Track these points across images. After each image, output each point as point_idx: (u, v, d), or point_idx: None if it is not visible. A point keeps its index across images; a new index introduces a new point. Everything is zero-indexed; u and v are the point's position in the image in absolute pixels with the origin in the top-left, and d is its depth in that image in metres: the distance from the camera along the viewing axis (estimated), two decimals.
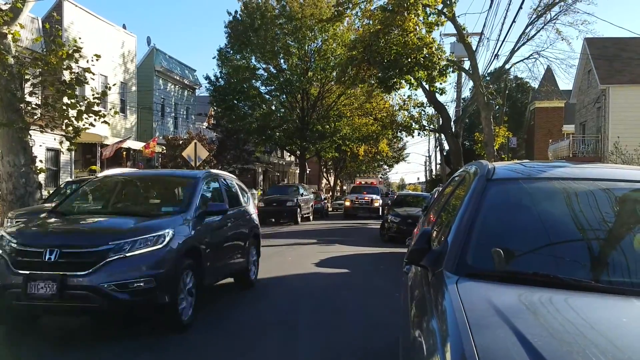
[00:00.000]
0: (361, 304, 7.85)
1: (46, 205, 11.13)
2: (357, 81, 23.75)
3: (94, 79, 13.80)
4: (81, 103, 12.54)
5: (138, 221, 6.04)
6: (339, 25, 31.07)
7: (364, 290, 8.93)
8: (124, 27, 28.76)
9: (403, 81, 22.11)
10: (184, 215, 6.40)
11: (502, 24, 76.41)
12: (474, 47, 21.34)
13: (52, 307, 5.42)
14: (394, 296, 7.75)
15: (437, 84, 22.24)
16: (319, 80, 35.08)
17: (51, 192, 14.20)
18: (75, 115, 12.49)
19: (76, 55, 12.47)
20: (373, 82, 23.72)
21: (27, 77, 12.32)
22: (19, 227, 6.28)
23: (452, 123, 25.73)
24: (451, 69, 21.93)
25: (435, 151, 47.55)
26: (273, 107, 36.96)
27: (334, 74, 32.42)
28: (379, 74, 21.82)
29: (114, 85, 17.40)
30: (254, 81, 34.85)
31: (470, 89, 29.67)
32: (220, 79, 34.68)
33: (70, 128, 12.69)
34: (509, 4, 31.07)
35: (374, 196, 31.76)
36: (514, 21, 35.48)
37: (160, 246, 5.67)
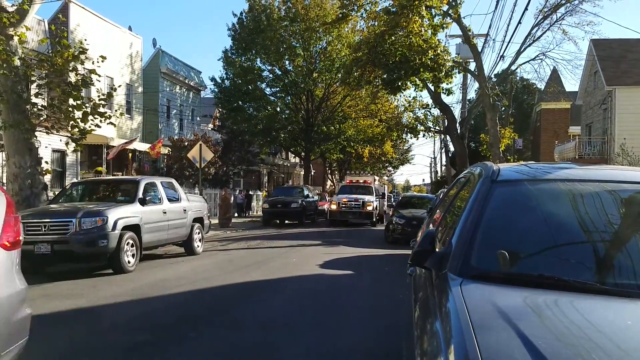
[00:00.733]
0: (365, 306, 7.82)
1: (51, 206, 11.26)
2: (362, 83, 23.70)
3: (99, 81, 13.86)
4: (87, 104, 12.59)
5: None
6: (344, 26, 31.04)
7: (367, 292, 8.90)
8: (130, 28, 28.85)
9: (408, 82, 22.08)
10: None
11: (508, 25, 76.32)
12: (479, 49, 21.31)
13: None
14: (398, 298, 7.73)
15: (443, 85, 22.20)
16: (324, 82, 35.07)
17: (57, 193, 14.26)
18: (81, 116, 12.53)
19: (82, 56, 12.52)
20: (378, 83, 23.69)
21: (33, 78, 12.37)
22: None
23: (457, 124, 25.65)
24: (457, 71, 21.87)
25: (441, 153, 47.50)
26: (278, 109, 36.97)
27: (339, 75, 32.36)
28: (384, 76, 21.79)
29: (119, 86, 17.44)
30: (259, 83, 34.89)
31: (475, 90, 29.58)
32: (225, 81, 34.75)
33: (76, 129, 12.73)
34: (515, 5, 30.97)
35: (367, 197, 25.36)
36: (519, 22, 35.16)
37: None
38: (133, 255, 10.57)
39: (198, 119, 37.23)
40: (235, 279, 9.82)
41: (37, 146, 12.33)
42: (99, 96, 12.88)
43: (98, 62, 12.59)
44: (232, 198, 27.34)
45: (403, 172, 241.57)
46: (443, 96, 23.85)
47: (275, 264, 12.01)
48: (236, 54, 34.51)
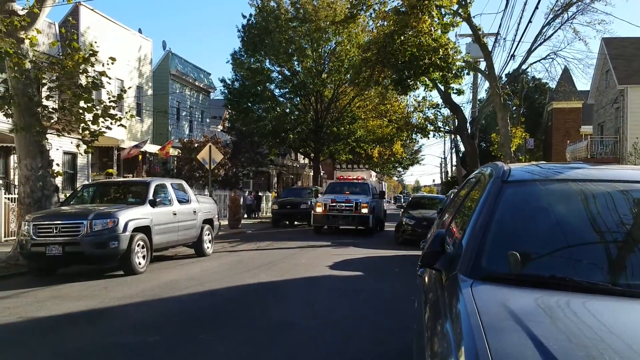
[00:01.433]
0: (374, 308, 7.78)
1: (63, 208, 11.34)
2: (371, 83, 23.62)
3: (110, 83, 13.90)
4: (97, 107, 12.64)
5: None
6: (353, 27, 30.99)
7: (377, 294, 8.86)
8: (140, 31, 29.01)
9: (418, 82, 22.02)
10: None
11: (518, 24, 75.79)
12: (489, 48, 21.18)
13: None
14: (408, 299, 7.68)
15: (453, 85, 22.11)
16: (333, 83, 35.05)
17: (68, 195, 14.35)
18: (91, 119, 12.59)
19: (92, 59, 12.58)
20: (387, 83, 23.62)
21: (44, 81, 12.45)
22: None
23: (467, 124, 25.51)
24: (467, 70, 21.76)
25: (451, 153, 47.26)
26: (287, 110, 37.00)
27: (348, 76, 32.28)
28: (394, 76, 21.73)
29: (129, 88, 17.52)
30: (268, 84, 34.94)
31: (486, 89, 29.45)
32: (235, 82, 34.85)
33: (87, 132, 12.79)
34: (525, 4, 30.74)
35: (362, 198, 20.40)
36: (530, 21, 35.03)
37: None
38: (144, 257, 10.62)
39: (208, 120, 37.35)
40: (245, 280, 9.82)
41: (48, 149, 12.39)
42: (109, 98, 12.94)
43: (108, 64, 12.63)
44: (242, 199, 27.40)
45: (413, 172, 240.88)
46: (454, 96, 23.78)
47: (285, 265, 12.00)
48: (245, 56, 34.59)
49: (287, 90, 35.99)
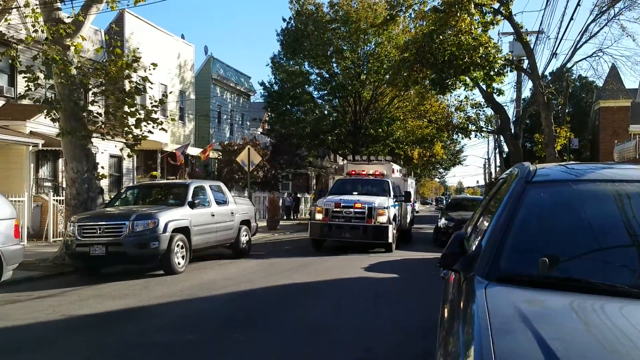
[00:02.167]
0: (408, 310, 7.72)
1: (107, 209, 11.74)
2: (409, 83, 23.39)
3: (152, 88, 14.30)
4: (140, 111, 13.01)
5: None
6: (393, 27, 30.80)
7: (411, 296, 8.78)
8: (182, 37, 29.71)
9: (458, 82, 21.70)
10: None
11: (561, 21, 73.62)
12: (532, 46, 20.65)
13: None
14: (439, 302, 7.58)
15: (495, 85, 21.67)
16: (372, 84, 34.92)
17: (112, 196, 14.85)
18: (134, 123, 12.97)
19: (135, 65, 12.96)
20: (426, 83, 23.35)
21: (89, 86, 12.91)
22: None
23: (511, 124, 24.93)
24: (509, 69, 21.30)
25: (495, 153, 46.27)
26: (326, 112, 37.08)
27: (387, 76, 32.06)
28: (433, 76, 21.48)
29: (170, 93, 17.96)
30: (306, 86, 35.11)
31: (530, 88, 28.68)
32: (274, 85, 35.21)
33: (130, 136, 13.19)
34: (567, 1, 29.85)
35: (378, 201, 14.99)
36: (572, 18, 34.06)
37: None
38: (183, 257, 10.88)
39: (248, 123, 37.87)
40: (280, 281, 9.91)
41: (94, 152, 12.84)
42: (151, 103, 13.31)
43: (149, 69, 13.00)
44: (280, 201, 27.63)
45: (455, 173, 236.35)
46: (495, 96, 23.30)
47: (321, 266, 12.04)
48: (284, 59, 34.89)
49: (326, 92, 36.06)
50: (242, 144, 26.55)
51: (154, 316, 7.28)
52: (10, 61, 14.52)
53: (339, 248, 15.44)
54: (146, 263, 10.81)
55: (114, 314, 7.22)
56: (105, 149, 19.43)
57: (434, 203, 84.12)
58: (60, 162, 16.85)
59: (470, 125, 28.78)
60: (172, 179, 22.99)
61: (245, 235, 13.80)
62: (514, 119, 25.62)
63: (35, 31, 11.69)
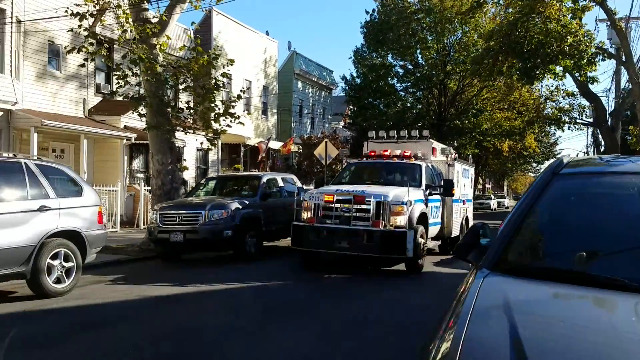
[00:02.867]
0: None
1: (187, 199, 12.48)
2: (493, 73, 22.51)
3: (230, 84, 14.87)
4: (219, 107, 13.61)
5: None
6: (480, 15, 29.75)
7: None
8: (267, 33, 30.51)
9: (548, 72, 20.58)
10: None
11: None
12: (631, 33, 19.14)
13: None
14: None
15: (588, 73, 20.32)
16: (458, 74, 33.92)
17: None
18: (214, 118, 13.60)
19: (217, 62, 13.56)
20: (512, 73, 22.35)
21: (172, 83, 13.68)
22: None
23: (607, 115, 23.28)
24: (601, 57, 19.88)
25: (593, 147, 43.37)
26: (408, 104, 36.53)
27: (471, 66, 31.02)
28: (519, 65, 20.54)
29: (248, 88, 18.50)
30: (389, 78, 34.77)
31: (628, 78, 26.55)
32: (356, 78, 35.20)
33: (210, 129, 13.85)
34: None
35: (394, 192, 9.77)
36: None
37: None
38: (254, 245, 11.27)
39: (329, 117, 38.23)
40: (347, 271, 10.01)
41: (178, 145, 13.61)
42: (230, 98, 13.86)
43: (228, 66, 13.54)
44: None
45: None
46: (589, 84, 21.86)
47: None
48: (367, 52, 34.77)
49: (410, 83, 35.50)
50: (321, 137, 26.88)
51: (216, 300, 7.64)
52: (102, 60, 15.72)
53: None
54: (219, 250, 11.34)
55: (181, 297, 7.68)
56: (191, 142, 20.49)
57: None
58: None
59: (563, 116, 27.23)
60: (254, 171, 23.80)
61: None
62: (610, 110, 23.88)
63: (125, 31, 12.55)
